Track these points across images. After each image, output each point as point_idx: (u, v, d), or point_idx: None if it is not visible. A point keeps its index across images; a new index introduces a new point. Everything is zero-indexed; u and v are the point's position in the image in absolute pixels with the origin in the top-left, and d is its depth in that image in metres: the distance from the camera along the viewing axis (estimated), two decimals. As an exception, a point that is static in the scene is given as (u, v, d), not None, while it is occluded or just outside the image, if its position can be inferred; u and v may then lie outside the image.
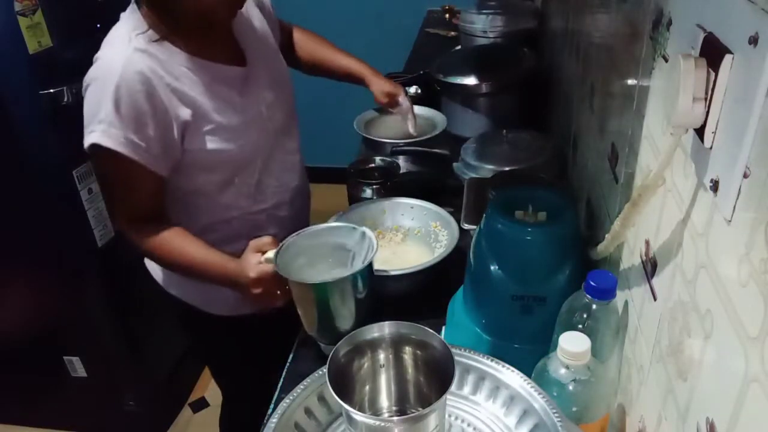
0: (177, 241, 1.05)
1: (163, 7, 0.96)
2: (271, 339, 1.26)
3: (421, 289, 1.06)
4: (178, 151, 1.02)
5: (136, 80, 0.93)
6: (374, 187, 1.25)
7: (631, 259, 0.74)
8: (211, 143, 1.03)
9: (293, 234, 0.97)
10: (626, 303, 0.75)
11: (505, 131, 1.28)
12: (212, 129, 1.03)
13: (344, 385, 0.63)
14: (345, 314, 0.91)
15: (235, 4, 0.99)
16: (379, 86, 1.33)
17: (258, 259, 0.96)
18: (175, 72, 0.98)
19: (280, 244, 0.96)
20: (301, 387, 0.69)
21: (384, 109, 1.44)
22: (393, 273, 1.02)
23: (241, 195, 1.14)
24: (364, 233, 0.95)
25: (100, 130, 0.94)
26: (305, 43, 1.37)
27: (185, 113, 0.99)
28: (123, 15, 1.01)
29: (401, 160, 1.43)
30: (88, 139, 0.95)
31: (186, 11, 0.95)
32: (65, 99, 1.54)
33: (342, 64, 1.36)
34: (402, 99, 1.34)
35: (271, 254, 0.94)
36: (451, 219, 1.13)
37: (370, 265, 0.91)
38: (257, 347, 1.33)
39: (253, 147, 1.09)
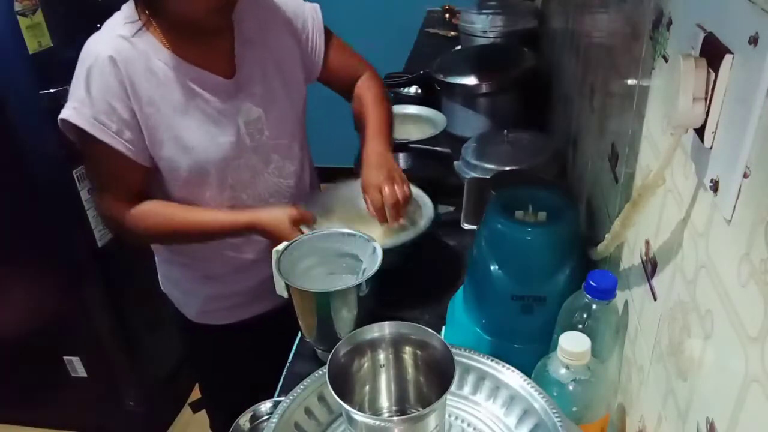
0: (170, 209, 1.05)
1: (149, 4, 0.97)
2: (262, 346, 1.26)
3: (397, 269, 1.02)
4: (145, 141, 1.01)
5: (107, 63, 0.95)
6: None
7: (631, 259, 0.74)
8: (165, 151, 1.01)
9: (307, 233, 0.98)
10: (626, 303, 0.75)
11: (505, 131, 1.28)
12: (169, 135, 1.00)
13: (344, 385, 0.63)
14: (344, 324, 0.91)
15: (215, 9, 0.94)
16: (368, 178, 1.05)
17: (296, 231, 0.98)
18: (152, 65, 0.98)
19: (291, 241, 0.96)
20: (301, 387, 0.69)
21: None
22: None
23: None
24: (375, 248, 0.95)
25: (71, 107, 0.96)
26: (357, 100, 1.20)
27: (148, 110, 0.98)
28: (124, 5, 1.02)
29: (401, 160, 1.43)
30: (60, 115, 0.97)
31: (167, 10, 0.95)
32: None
33: (362, 135, 1.15)
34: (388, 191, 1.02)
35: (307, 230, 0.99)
36: (427, 199, 1.12)
37: (373, 278, 0.91)
38: (247, 356, 1.31)
39: (217, 161, 1.04)
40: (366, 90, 1.19)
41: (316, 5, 1.16)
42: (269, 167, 1.13)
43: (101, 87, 0.95)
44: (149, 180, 1.05)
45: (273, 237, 1.00)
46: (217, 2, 0.94)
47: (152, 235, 1.10)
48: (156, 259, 1.26)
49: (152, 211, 1.04)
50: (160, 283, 1.28)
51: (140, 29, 0.98)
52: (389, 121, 1.16)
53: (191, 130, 1.01)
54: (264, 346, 1.24)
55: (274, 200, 1.15)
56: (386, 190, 1.01)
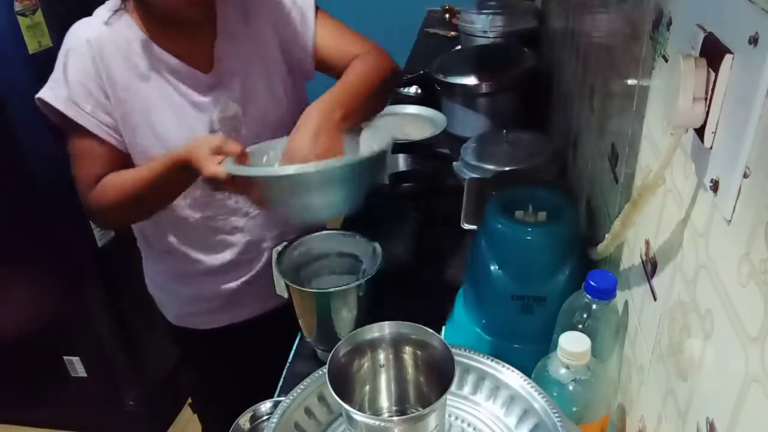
0: (122, 174, 1.00)
1: None
2: (251, 352, 1.20)
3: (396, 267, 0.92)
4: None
5: (84, 47, 0.95)
6: None
7: (631, 259, 0.74)
8: (139, 137, 1.00)
9: (306, 235, 0.97)
10: (626, 303, 0.75)
11: (505, 131, 1.28)
12: (143, 122, 0.99)
13: (344, 385, 0.63)
14: (344, 324, 0.91)
15: (195, 2, 0.94)
16: (294, 144, 0.87)
17: (215, 161, 0.85)
18: (130, 52, 0.97)
19: (290, 241, 0.95)
20: (301, 387, 0.69)
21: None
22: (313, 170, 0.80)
23: (186, 206, 1.07)
24: (375, 248, 0.94)
25: (49, 87, 0.97)
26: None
27: (122, 95, 0.98)
28: None
29: (401, 159, 1.43)
30: (38, 94, 0.97)
31: (148, 1, 0.95)
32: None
33: None
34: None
35: (230, 163, 0.83)
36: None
37: (373, 279, 0.90)
38: (235, 363, 1.25)
39: None
40: (354, 61, 1.02)
41: None
42: None
43: (78, 70, 0.96)
44: (127, 167, 1.02)
45: (193, 165, 0.88)
46: None
47: (116, 208, 1.02)
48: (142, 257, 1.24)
49: (108, 183, 1.00)
50: (146, 283, 1.26)
51: (114, 14, 0.97)
52: (364, 80, 0.97)
53: (165, 119, 1.00)
54: (253, 352, 1.20)
55: (244, 201, 1.09)
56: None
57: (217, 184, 0.86)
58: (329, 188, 0.81)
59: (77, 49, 0.96)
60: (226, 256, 1.13)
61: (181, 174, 0.93)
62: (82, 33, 0.97)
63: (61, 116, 0.97)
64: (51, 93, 0.97)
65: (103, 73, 0.96)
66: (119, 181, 1.00)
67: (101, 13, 0.99)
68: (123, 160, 1.02)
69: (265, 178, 0.84)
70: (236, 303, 1.18)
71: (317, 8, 1.08)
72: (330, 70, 1.08)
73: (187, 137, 0.98)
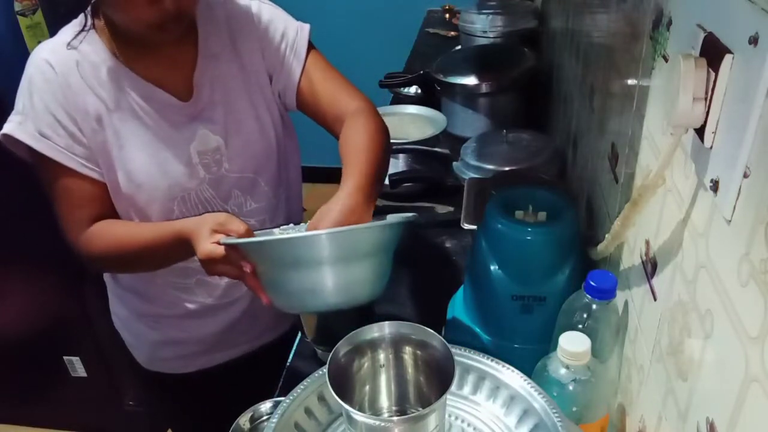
0: (117, 228, 0.92)
1: (95, 12, 0.89)
2: (227, 397, 1.01)
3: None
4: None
5: (50, 73, 0.86)
6: None
7: (631, 259, 0.74)
8: (110, 173, 0.91)
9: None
10: (626, 303, 0.75)
11: (505, 131, 1.28)
12: (113, 153, 0.90)
13: (344, 385, 0.63)
14: (345, 315, 0.90)
15: (156, 26, 0.82)
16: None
17: (213, 239, 0.78)
18: (99, 77, 0.88)
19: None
20: (301, 387, 0.69)
21: None
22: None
23: None
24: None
25: (15, 121, 0.88)
26: (343, 139, 0.91)
27: (92, 124, 0.89)
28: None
29: (401, 160, 1.43)
30: (3, 130, 0.88)
31: (112, 21, 0.87)
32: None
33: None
34: None
35: (228, 240, 0.77)
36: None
37: None
38: (211, 409, 1.08)
39: (163, 189, 0.93)
40: (353, 128, 0.91)
41: (305, 25, 1.01)
42: (228, 203, 0.99)
43: (45, 99, 0.86)
44: (107, 200, 0.94)
45: (192, 242, 0.82)
46: (157, 18, 0.81)
47: (104, 260, 0.96)
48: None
49: (99, 233, 0.92)
50: (113, 319, 1.16)
51: (76, 37, 0.88)
52: (379, 164, 0.86)
53: (135, 154, 0.91)
54: (235, 396, 0.98)
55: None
56: None
57: (211, 264, 0.79)
58: (345, 263, 0.70)
59: (41, 75, 0.87)
60: (202, 299, 1.05)
61: (177, 248, 0.85)
62: (47, 58, 0.87)
63: (32, 152, 0.88)
64: (18, 127, 0.87)
65: (71, 101, 0.87)
66: (112, 235, 0.92)
67: (65, 33, 0.90)
68: (102, 191, 0.93)
69: (266, 246, 0.74)
70: (216, 347, 1.10)
71: (311, 45, 1.00)
72: (314, 113, 1.00)
73: (161, 173, 0.92)
